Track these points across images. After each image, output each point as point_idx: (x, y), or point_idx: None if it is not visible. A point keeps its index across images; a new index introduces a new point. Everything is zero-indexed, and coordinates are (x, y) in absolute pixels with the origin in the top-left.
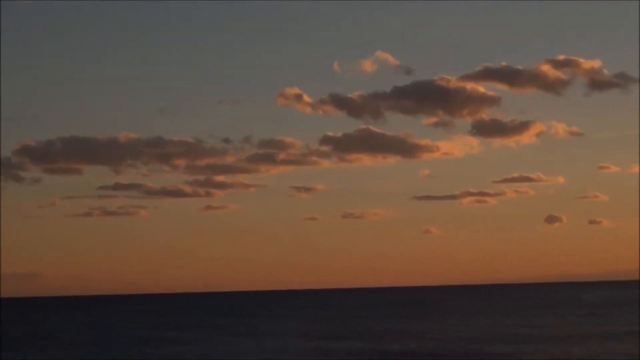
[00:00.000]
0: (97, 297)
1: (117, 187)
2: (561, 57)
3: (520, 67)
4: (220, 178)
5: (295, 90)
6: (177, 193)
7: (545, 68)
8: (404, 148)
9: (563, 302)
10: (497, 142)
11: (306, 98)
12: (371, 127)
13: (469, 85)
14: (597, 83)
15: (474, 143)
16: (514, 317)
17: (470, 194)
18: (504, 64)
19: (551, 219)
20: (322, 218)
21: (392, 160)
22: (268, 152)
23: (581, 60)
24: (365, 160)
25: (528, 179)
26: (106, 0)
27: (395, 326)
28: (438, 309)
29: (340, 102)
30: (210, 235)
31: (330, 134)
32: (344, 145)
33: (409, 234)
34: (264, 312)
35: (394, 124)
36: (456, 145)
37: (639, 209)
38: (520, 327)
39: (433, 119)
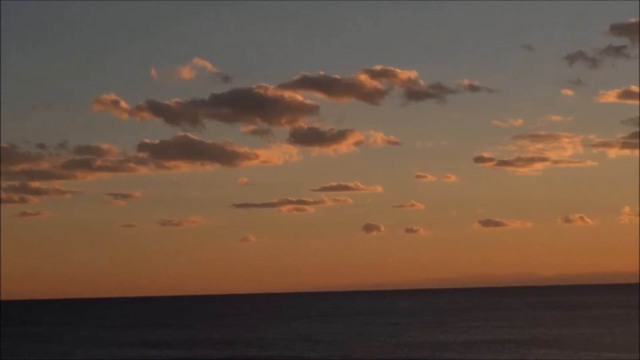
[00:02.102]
0: None
1: None
2: (378, 67)
3: (338, 76)
4: (35, 184)
5: (112, 96)
6: None
7: (363, 77)
8: (222, 156)
9: (376, 310)
10: (316, 150)
11: (123, 104)
12: (189, 135)
13: (287, 94)
14: (414, 93)
15: (293, 151)
16: (308, 324)
17: (289, 202)
18: (321, 73)
19: (369, 228)
20: (139, 225)
21: (211, 167)
22: (84, 159)
23: (398, 70)
24: (184, 168)
25: (346, 188)
26: None
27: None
28: (237, 317)
29: (157, 109)
30: (25, 242)
31: (147, 140)
32: (161, 152)
33: (227, 242)
34: (75, 320)
35: (213, 131)
36: (275, 154)
37: (453, 217)
38: (309, 333)
39: (251, 127)
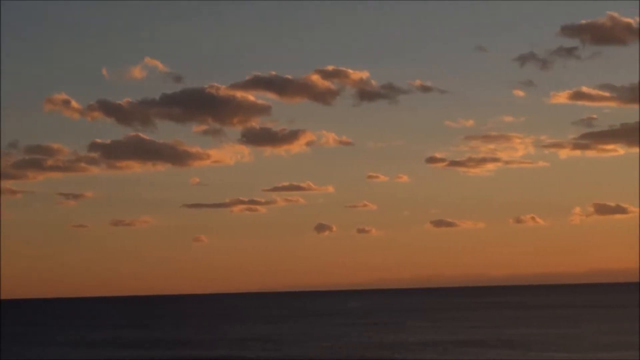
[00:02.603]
0: None
1: None
2: (330, 67)
3: (290, 76)
4: None
5: (63, 96)
6: None
7: (315, 78)
8: (174, 156)
9: (328, 310)
10: (268, 150)
11: (74, 104)
12: (141, 134)
13: (239, 94)
14: (366, 93)
15: (245, 151)
16: (260, 324)
17: (240, 202)
18: (273, 73)
19: (321, 228)
20: (91, 225)
21: (162, 167)
22: (35, 158)
23: (350, 70)
24: (135, 168)
25: (298, 188)
26: None
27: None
28: (189, 318)
29: (109, 108)
30: None
31: (98, 140)
32: (113, 152)
33: (179, 242)
34: (26, 321)
35: (164, 131)
36: (227, 154)
37: (405, 218)
38: (260, 333)
39: (203, 127)
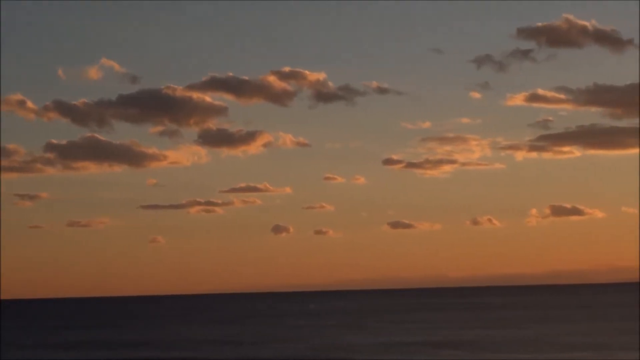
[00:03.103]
0: None
1: None
2: (287, 68)
3: (246, 77)
4: None
5: (19, 96)
6: None
7: (272, 79)
8: (130, 157)
9: (285, 311)
10: (225, 152)
11: (30, 104)
12: (97, 135)
13: (196, 95)
14: (322, 95)
15: (202, 152)
16: (217, 326)
17: (197, 203)
18: (230, 74)
19: (278, 229)
20: (46, 226)
21: (119, 168)
22: None
23: (306, 72)
24: (92, 169)
25: (255, 189)
26: None
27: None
28: (145, 319)
29: (64, 109)
30: None
31: (54, 141)
32: (69, 153)
33: (135, 243)
34: None
35: (120, 132)
36: (183, 155)
37: (362, 219)
38: (217, 335)
39: (160, 128)
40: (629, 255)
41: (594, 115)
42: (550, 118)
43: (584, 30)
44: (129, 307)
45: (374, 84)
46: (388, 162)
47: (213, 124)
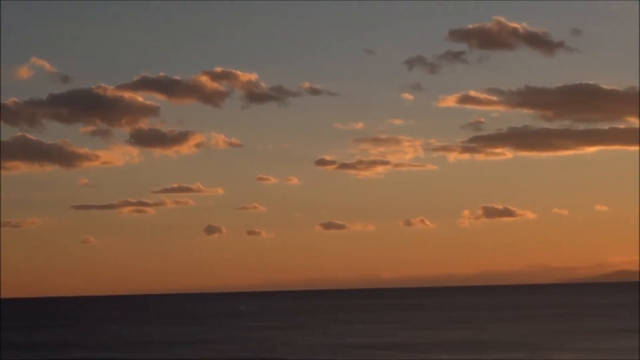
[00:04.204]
0: None
1: None
2: (219, 69)
3: (178, 77)
4: None
5: None
6: None
7: (204, 79)
8: (61, 156)
9: (215, 313)
10: (157, 152)
11: None
12: (27, 135)
13: (127, 95)
14: (255, 96)
15: (134, 153)
16: (147, 326)
17: (129, 203)
18: (162, 74)
19: (210, 230)
20: None
21: (50, 168)
22: None
23: (239, 72)
24: (22, 168)
25: (188, 190)
26: None
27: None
28: (75, 319)
29: None
30: None
31: None
32: None
33: (67, 244)
34: None
35: (52, 132)
36: (115, 155)
37: (295, 220)
38: (146, 335)
39: (91, 128)
40: (560, 256)
41: (526, 117)
42: (482, 120)
43: (515, 32)
44: (59, 307)
45: (306, 84)
46: (321, 162)
47: (145, 124)
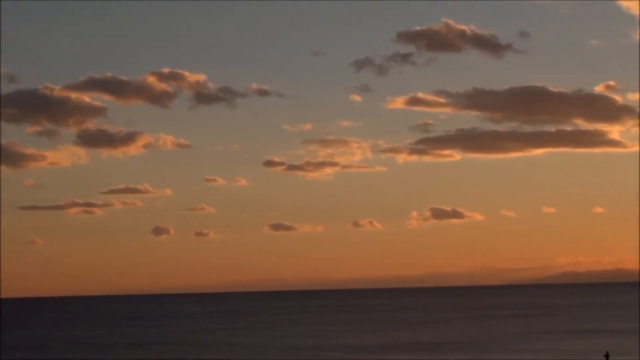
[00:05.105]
0: None
1: None
2: (166, 69)
3: (125, 78)
4: None
5: None
6: None
7: (151, 80)
8: (7, 157)
9: (164, 313)
10: (105, 152)
11: None
12: None
13: (74, 95)
14: (203, 96)
15: (81, 153)
16: (95, 327)
17: (76, 204)
18: (109, 74)
19: (158, 231)
20: None
21: None
22: None
23: (186, 73)
24: None
25: (135, 190)
26: None
27: None
28: (14, 320)
29: None
30: None
31: None
32: None
33: (13, 245)
34: None
35: None
36: (63, 155)
37: (244, 221)
38: (93, 336)
39: (38, 128)
40: (508, 257)
41: (474, 119)
42: (431, 121)
43: (463, 34)
44: (6, 309)
45: (254, 85)
46: (269, 164)
47: (92, 124)
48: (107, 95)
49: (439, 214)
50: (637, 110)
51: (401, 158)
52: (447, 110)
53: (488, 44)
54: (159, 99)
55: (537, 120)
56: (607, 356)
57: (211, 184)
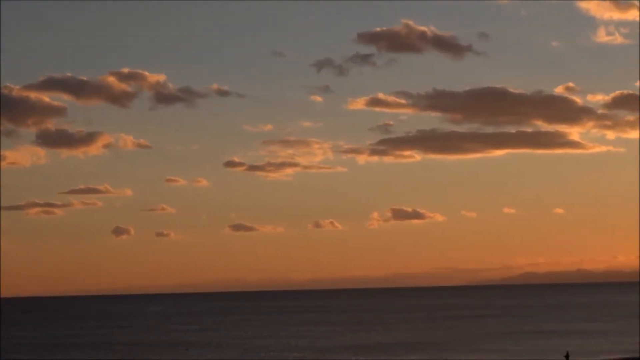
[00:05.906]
0: None
1: None
2: (126, 69)
3: (85, 77)
4: None
5: None
6: None
7: (111, 80)
8: None
9: (125, 314)
10: (64, 152)
11: None
12: None
13: (33, 95)
14: (163, 97)
15: (41, 153)
16: (54, 328)
17: (36, 205)
18: (68, 74)
19: (119, 231)
20: None
21: None
22: None
23: (146, 73)
24: None
25: (96, 191)
26: None
27: None
28: None
29: None
30: None
31: None
32: None
33: None
34: None
35: None
36: (22, 155)
37: (204, 222)
38: (55, 337)
39: None
40: (468, 258)
41: (434, 120)
42: (391, 122)
43: (423, 35)
44: None
45: (215, 86)
46: (230, 164)
47: (52, 124)
48: (67, 95)
49: (399, 214)
50: (597, 111)
51: (362, 159)
52: (408, 111)
53: (448, 45)
54: (119, 99)
55: (498, 122)
56: (567, 356)
57: (172, 185)
